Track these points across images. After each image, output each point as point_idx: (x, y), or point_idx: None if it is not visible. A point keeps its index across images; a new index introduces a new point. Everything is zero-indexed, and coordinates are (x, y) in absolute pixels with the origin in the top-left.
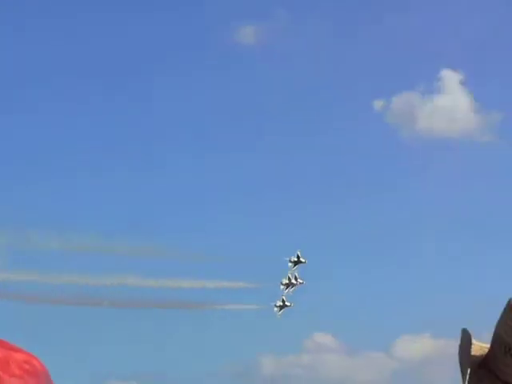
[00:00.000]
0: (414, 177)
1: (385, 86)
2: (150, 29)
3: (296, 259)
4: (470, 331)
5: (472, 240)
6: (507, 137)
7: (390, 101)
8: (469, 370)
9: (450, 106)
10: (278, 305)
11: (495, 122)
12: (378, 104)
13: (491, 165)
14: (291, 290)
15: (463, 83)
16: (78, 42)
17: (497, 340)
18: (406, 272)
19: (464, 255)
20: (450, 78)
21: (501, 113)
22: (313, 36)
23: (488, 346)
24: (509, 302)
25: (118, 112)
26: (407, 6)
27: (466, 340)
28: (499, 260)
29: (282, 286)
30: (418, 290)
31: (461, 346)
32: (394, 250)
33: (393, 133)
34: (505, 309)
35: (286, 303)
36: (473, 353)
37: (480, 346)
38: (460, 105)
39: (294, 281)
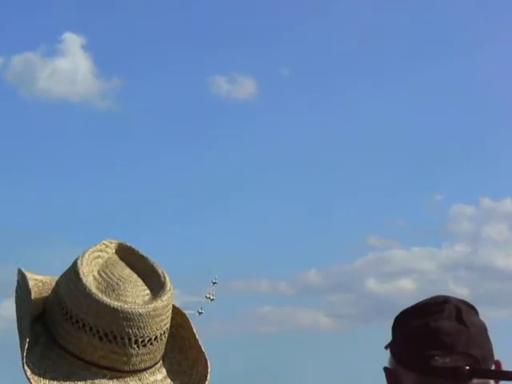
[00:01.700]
0: (37, 136)
1: (4, 44)
2: None
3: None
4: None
5: None
6: (125, 103)
7: (9, 59)
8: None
9: (70, 68)
10: None
11: (115, 87)
12: None
13: (111, 130)
14: None
15: (85, 47)
16: None
17: (56, 299)
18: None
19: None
20: (72, 41)
21: (120, 79)
22: None
23: (48, 280)
24: (76, 268)
25: None
26: None
27: (24, 285)
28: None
29: None
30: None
31: (19, 295)
32: None
33: (12, 92)
34: (70, 272)
35: None
36: (34, 296)
37: (38, 281)
38: (80, 69)
39: None
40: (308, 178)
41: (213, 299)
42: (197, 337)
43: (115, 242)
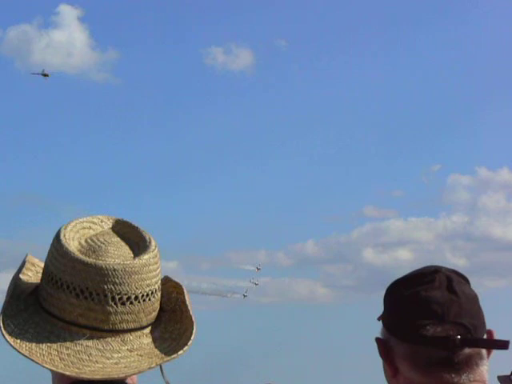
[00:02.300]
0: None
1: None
2: None
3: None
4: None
5: None
6: (122, 75)
7: (5, 32)
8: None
9: (66, 41)
10: None
11: (111, 59)
12: None
13: (106, 103)
14: None
15: (81, 19)
16: None
17: (45, 269)
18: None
19: None
20: (68, 13)
21: (117, 51)
22: None
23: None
24: (58, 233)
25: None
26: None
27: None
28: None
29: None
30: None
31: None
32: None
33: (7, 64)
34: (53, 239)
35: None
36: (31, 277)
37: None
38: (76, 41)
39: None
40: (304, 148)
41: (257, 284)
42: (189, 309)
43: (113, 218)
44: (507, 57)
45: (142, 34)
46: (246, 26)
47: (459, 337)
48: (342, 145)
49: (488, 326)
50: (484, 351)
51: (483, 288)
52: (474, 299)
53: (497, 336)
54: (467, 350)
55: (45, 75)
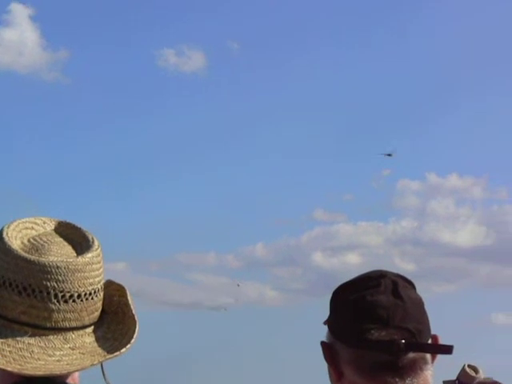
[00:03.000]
0: None
1: None
2: None
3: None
4: None
5: None
6: (73, 75)
7: None
8: None
9: (17, 39)
10: None
11: (62, 59)
12: None
13: (56, 101)
14: None
15: (32, 18)
16: None
17: None
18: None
19: None
20: (20, 11)
21: (68, 51)
22: None
23: None
24: (1, 232)
25: None
26: None
27: None
28: None
29: None
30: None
31: None
32: None
33: None
34: None
35: None
36: None
37: None
38: (28, 40)
39: None
40: (254, 151)
41: (239, 285)
42: (132, 309)
43: (56, 220)
44: (456, 64)
45: (93, 34)
46: (198, 28)
47: (404, 341)
48: (292, 148)
49: (435, 331)
50: (428, 356)
51: (431, 293)
52: (419, 304)
53: (442, 341)
54: (411, 355)
55: None
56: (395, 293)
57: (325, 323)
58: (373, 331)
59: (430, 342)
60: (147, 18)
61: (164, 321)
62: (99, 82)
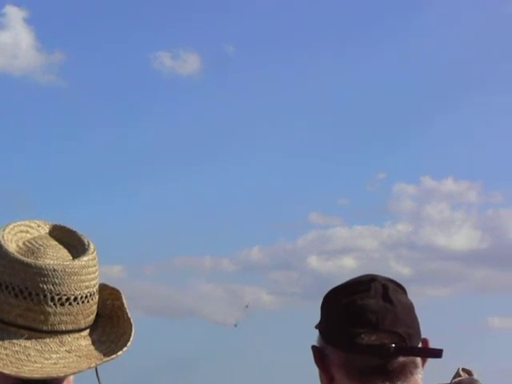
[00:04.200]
0: None
1: None
2: None
3: None
4: None
5: None
6: (68, 78)
7: None
8: None
9: (12, 42)
10: None
11: (57, 62)
12: None
13: (51, 104)
14: None
15: (27, 21)
16: None
17: None
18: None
19: None
20: (14, 14)
21: (63, 53)
22: None
23: None
24: None
25: None
26: None
27: None
28: None
29: None
30: None
31: None
32: None
33: None
34: None
35: None
36: None
37: None
38: (22, 42)
39: None
40: (250, 155)
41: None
42: (127, 311)
43: (50, 223)
44: (452, 67)
45: (89, 36)
46: (194, 31)
47: (394, 345)
48: (287, 152)
49: (431, 335)
50: (419, 360)
51: (427, 297)
52: (409, 308)
53: (438, 344)
54: (402, 359)
55: None
56: (385, 297)
57: (316, 327)
58: (363, 335)
59: (420, 345)
60: (143, 20)
61: (159, 326)
62: (95, 84)
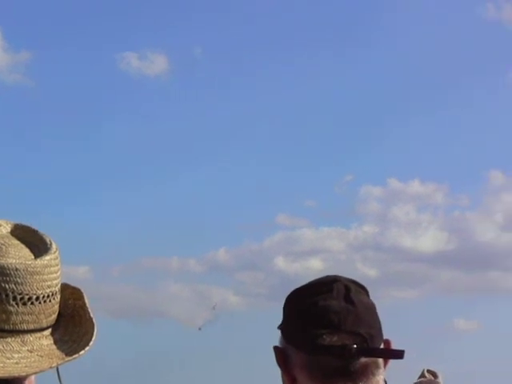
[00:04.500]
0: None
1: None
2: None
3: None
4: None
5: None
6: (35, 77)
7: None
8: None
9: None
10: None
11: (24, 61)
12: None
13: (17, 104)
14: None
15: None
16: None
17: None
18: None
19: None
20: None
21: (30, 52)
22: None
23: None
24: None
25: None
26: None
27: None
28: None
29: None
30: None
31: None
32: None
33: None
34: None
35: None
36: None
37: None
38: None
39: None
40: (217, 157)
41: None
42: (89, 311)
43: (11, 222)
44: (417, 70)
45: (55, 36)
46: (161, 32)
47: (355, 346)
48: (255, 154)
49: (395, 336)
50: (380, 360)
51: (393, 298)
52: (371, 309)
53: (399, 346)
54: (363, 360)
55: None
56: (347, 298)
57: (278, 328)
58: (325, 336)
59: (382, 346)
60: (110, 20)
61: (125, 327)
62: (62, 83)
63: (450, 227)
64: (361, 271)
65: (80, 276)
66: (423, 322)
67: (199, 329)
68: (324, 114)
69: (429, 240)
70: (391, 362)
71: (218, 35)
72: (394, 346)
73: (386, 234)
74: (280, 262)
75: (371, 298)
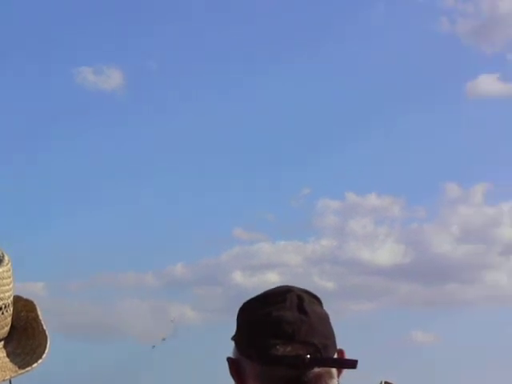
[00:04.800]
0: None
1: None
2: None
3: None
4: None
5: None
6: None
7: None
8: None
9: None
10: None
11: None
12: None
13: None
14: None
15: None
16: None
17: None
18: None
19: None
20: None
21: None
22: None
23: None
24: None
25: None
26: None
27: None
28: None
29: None
30: None
31: None
32: None
33: None
34: None
35: None
36: None
37: None
38: None
39: None
40: (175, 170)
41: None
42: (42, 323)
43: None
44: (373, 81)
45: (11, 49)
46: (116, 46)
47: (309, 356)
48: (211, 167)
49: (353, 349)
50: (334, 370)
51: (350, 311)
52: (324, 319)
53: (359, 357)
54: (317, 370)
55: None
56: (300, 308)
57: (232, 339)
58: (278, 346)
59: (335, 356)
60: (66, 34)
61: (81, 344)
62: (14, 98)
63: (407, 240)
64: (318, 284)
65: (36, 292)
66: (381, 334)
67: (153, 346)
68: (279, 127)
69: (386, 253)
70: (348, 373)
71: (174, 49)
72: (349, 356)
73: (343, 248)
74: (238, 277)
75: (329, 310)
